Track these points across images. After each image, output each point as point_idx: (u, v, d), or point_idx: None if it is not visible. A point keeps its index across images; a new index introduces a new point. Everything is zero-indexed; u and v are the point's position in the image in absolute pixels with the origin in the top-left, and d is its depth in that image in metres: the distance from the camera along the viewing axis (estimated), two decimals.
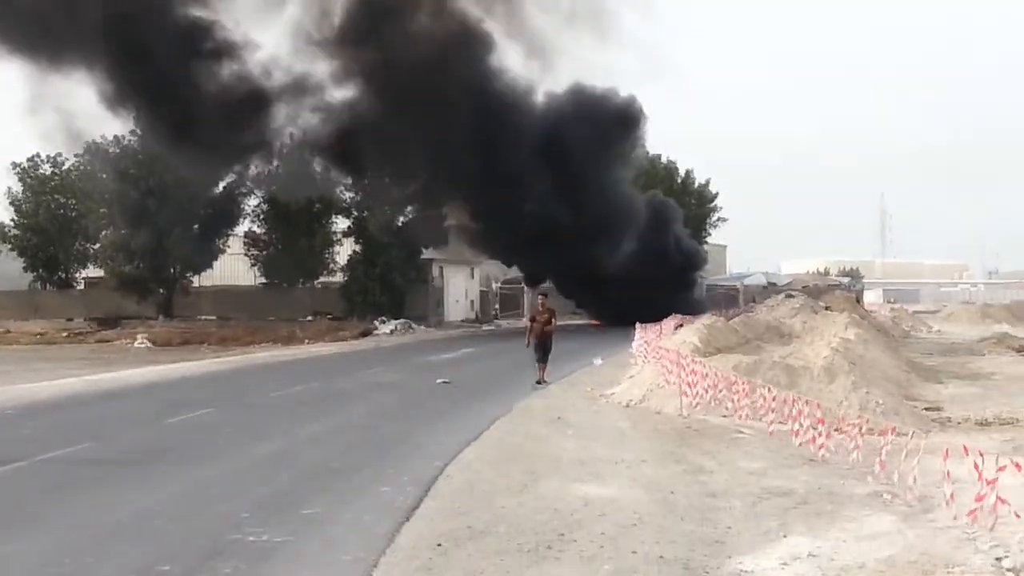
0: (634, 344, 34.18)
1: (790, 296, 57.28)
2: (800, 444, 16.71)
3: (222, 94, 56.85)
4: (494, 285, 77.35)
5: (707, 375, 21.00)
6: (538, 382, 26.57)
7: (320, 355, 41.59)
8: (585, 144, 60.06)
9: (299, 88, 59.71)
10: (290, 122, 62.22)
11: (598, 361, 34.05)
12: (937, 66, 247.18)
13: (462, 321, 68.96)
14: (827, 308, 51.49)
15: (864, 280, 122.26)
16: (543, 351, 27.22)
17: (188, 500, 13.05)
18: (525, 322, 28.44)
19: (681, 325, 39.85)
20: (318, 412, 21.87)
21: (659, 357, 25.81)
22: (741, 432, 18.85)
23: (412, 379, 29.44)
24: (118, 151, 63.33)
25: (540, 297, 28.99)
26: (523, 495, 13.25)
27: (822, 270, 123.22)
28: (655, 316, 44.76)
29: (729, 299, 76.97)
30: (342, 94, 60.14)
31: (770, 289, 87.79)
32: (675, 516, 12.07)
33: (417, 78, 53.84)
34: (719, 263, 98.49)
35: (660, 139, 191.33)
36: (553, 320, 27.67)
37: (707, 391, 21.17)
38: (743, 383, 20.24)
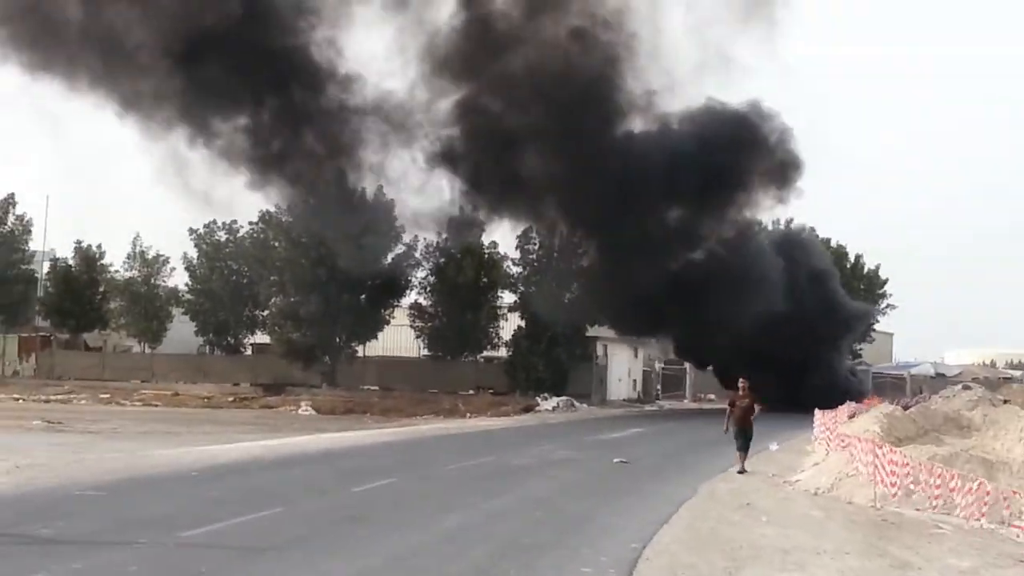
0: (815, 430, 33.40)
1: (967, 388, 55.42)
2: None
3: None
4: (656, 365, 76.64)
5: (907, 464, 20.16)
6: (739, 472, 25.42)
7: (487, 429, 41.45)
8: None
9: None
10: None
11: (774, 447, 33.26)
12: None
13: (624, 400, 68.33)
14: (1005, 401, 49.67)
15: None
16: (744, 438, 25.91)
17: (389, 571, 12.81)
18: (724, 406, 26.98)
19: (854, 413, 38.76)
20: (498, 487, 21.60)
21: (845, 444, 25.01)
22: (940, 527, 18.09)
23: (586, 457, 29.03)
24: (291, 220, 64.37)
25: (741, 381, 26.97)
26: None
27: (988, 362, 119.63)
28: (821, 401, 43.89)
29: (895, 388, 75.05)
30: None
31: (938, 380, 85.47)
32: None
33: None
34: (885, 351, 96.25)
35: (830, 223, 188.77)
36: (756, 406, 26.21)
37: (902, 481, 20.37)
38: (949, 475, 19.38)
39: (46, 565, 12.02)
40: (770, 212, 68.93)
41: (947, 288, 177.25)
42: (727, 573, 13.34)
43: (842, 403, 40.95)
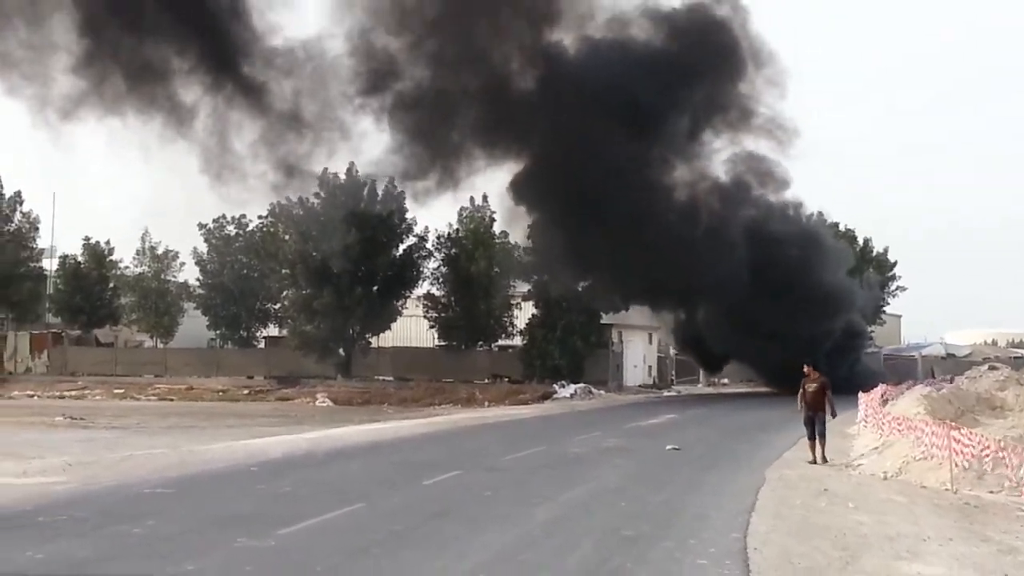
0: (860, 413, 33.22)
1: (993, 368, 55.19)
2: None
3: None
4: (671, 351, 76.35)
5: (987, 446, 19.82)
6: (810, 462, 24.04)
7: (519, 418, 41.12)
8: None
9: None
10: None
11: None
12: None
13: (640, 386, 68.09)
14: None
15: None
16: (812, 425, 24.32)
17: (499, 566, 12.43)
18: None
19: (885, 395, 38.64)
20: (566, 477, 21.24)
21: (910, 427, 24.64)
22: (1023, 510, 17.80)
23: (636, 445, 28.70)
24: (301, 213, 63.98)
25: (807, 366, 24.99)
26: (851, 573, 12.44)
27: (990, 341, 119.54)
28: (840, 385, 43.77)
29: (907, 370, 74.74)
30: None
31: (949, 360, 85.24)
32: None
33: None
34: (894, 333, 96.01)
35: (839, 208, 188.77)
36: (827, 392, 24.39)
37: (979, 464, 20.05)
38: None
39: (160, 567, 11.65)
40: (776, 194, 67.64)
41: (943, 270, 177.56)
42: (844, 563, 12.99)
43: (864, 387, 40.71)
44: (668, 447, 27.10)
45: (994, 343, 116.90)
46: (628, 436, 31.61)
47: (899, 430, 25.68)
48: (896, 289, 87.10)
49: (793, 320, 57.13)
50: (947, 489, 19.86)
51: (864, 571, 12.51)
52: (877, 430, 28.64)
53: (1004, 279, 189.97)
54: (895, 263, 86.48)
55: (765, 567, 12.59)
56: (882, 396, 38.26)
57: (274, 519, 15.01)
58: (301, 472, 21.41)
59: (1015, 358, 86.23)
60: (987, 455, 19.75)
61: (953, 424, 21.78)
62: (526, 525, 15.23)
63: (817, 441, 24.31)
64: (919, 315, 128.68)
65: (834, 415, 24.80)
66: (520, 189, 61.38)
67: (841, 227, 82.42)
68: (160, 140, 54.56)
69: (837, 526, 15.55)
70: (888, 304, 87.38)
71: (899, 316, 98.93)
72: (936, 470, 21.10)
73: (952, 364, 79.95)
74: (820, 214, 76.91)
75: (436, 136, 58.95)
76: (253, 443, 28.22)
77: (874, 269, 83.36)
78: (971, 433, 20.77)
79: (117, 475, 20.26)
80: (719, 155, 65.54)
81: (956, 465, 20.18)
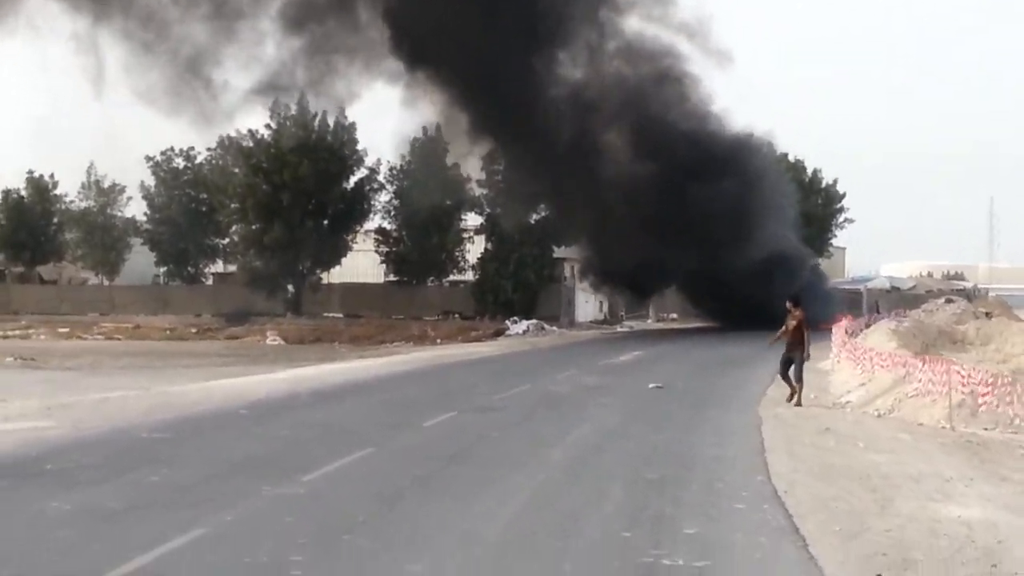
0: (833, 348, 33.33)
1: (950, 301, 55.79)
2: None
3: None
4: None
5: (990, 382, 19.77)
6: (788, 400, 23.17)
7: (487, 356, 40.85)
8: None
9: None
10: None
11: None
12: None
13: (592, 322, 68.04)
14: (987, 314, 50.02)
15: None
16: (785, 365, 23.47)
17: (539, 513, 12.17)
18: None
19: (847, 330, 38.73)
20: (562, 417, 21.04)
21: (895, 363, 24.63)
22: None
23: (616, 383, 28.58)
24: (251, 145, 63.13)
25: (788, 302, 24.24)
26: (890, 516, 12.30)
27: (925, 273, 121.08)
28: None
29: (852, 303, 75.17)
30: None
31: (893, 293, 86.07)
32: None
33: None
34: (839, 266, 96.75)
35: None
36: (804, 329, 23.26)
37: (976, 400, 20.05)
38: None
39: (196, 518, 11.26)
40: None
41: (878, 202, 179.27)
42: (880, 506, 12.85)
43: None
44: (651, 385, 26.96)
45: (930, 275, 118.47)
46: (603, 374, 31.49)
47: (883, 366, 25.62)
48: (844, 221, 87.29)
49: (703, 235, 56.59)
50: (943, 427, 19.85)
51: (902, 514, 12.36)
52: (858, 366, 28.55)
53: (936, 211, 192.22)
54: (844, 195, 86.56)
55: (803, 511, 12.42)
56: (847, 331, 38.31)
57: (289, 465, 14.65)
58: (293, 415, 20.99)
59: (956, 291, 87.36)
60: (987, 392, 19.70)
61: (952, 360, 21.75)
62: (547, 469, 14.98)
63: (793, 382, 23.42)
64: (858, 247, 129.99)
65: (808, 357, 24.13)
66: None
67: (791, 158, 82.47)
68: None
69: (856, 467, 15.45)
70: (835, 236, 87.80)
71: (843, 248, 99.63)
72: (930, 407, 21.09)
73: (897, 297, 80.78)
74: (770, 144, 76.82)
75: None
76: (228, 383, 27.84)
77: (822, 200, 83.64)
78: (975, 369, 20.74)
79: (105, 419, 19.73)
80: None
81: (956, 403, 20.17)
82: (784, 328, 23.81)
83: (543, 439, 17.77)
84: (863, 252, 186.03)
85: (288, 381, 28.41)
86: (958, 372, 20.26)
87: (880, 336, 35.15)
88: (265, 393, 24.83)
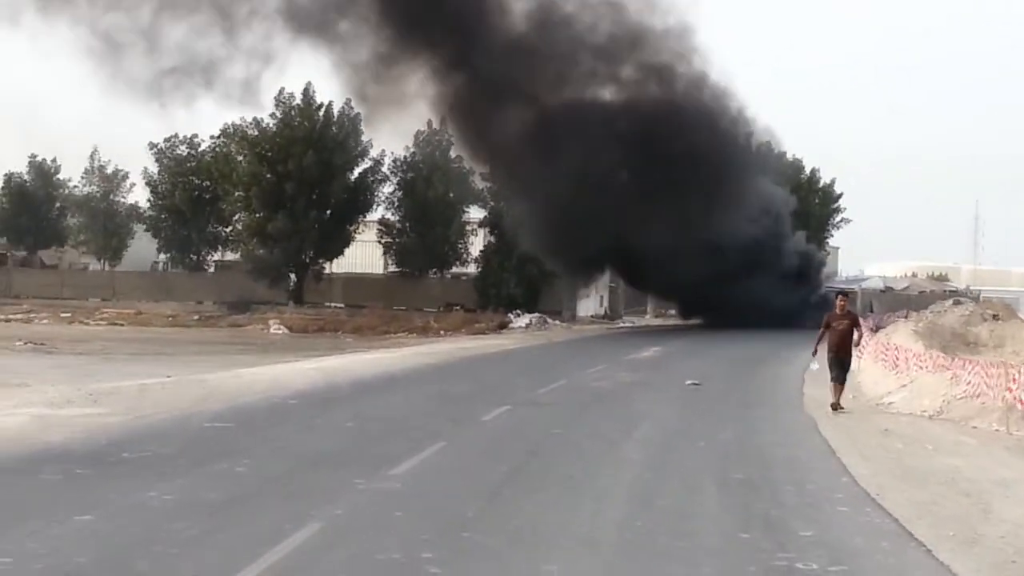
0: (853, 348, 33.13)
1: (959, 303, 55.76)
2: None
3: None
4: (621, 281, 76.17)
5: None
6: (833, 406, 21.86)
7: (509, 349, 40.80)
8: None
9: None
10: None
11: (815, 366, 32.77)
12: None
13: (592, 316, 67.94)
14: (994, 316, 49.87)
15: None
16: (840, 368, 22.12)
17: (646, 513, 11.95)
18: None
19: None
20: (616, 414, 20.90)
21: (936, 365, 24.41)
22: None
23: (651, 379, 28.51)
24: (256, 134, 62.79)
25: (840, 298, 23.38)
26: (997, 522, 12.12)
27: (910, 274, 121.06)
28: (777, 319, 43.75)
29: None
30: None
31: (887, 294, 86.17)
32: None
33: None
34: (831, 266, 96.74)
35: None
36: (857, 330, 22.59)
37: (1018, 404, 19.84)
38: None
39: (306, 512, 11.05)
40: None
41: (866, 203, 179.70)
42: (982, 511, 12.68)
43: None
44: (687, 382, 26.80)
45: (915, 276, 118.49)
46: (634, 370, 31.37)
47: (922, 367, 25.39)
48: (840, 221, 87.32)
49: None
50: (997, 430, 19.68)
51: (1008, 520, 12.21)
52: (890, 367, 28.33)
53: (918, 212, 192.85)
54: (840, 195, 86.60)
55: (908, 515, 12.23)
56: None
57: (368, 458, 14.46)
58: (347, 407, 20.80)
59: (949, 292, 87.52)
60: None
61: (1009, 363, 21.58)
62: (630, 468, 14.80)
63: (836, 385, 22.33)
64: (847, 247, 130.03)
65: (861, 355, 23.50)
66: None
67: (789, 156, 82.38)
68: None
69: (937, 470, 15.27)
70: (832, 236, 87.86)
71: (837, 248, 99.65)
72: (981, 410, 20.91)
73: (891, 297, 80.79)
74: (768, 143, 76.65)
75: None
76: (259, 372, 27.62)
77: (819, 200, 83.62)
78: None
79: (157, 407, 19.53)
80: None
81: (1020, 405, 19.92)
82: (825, 326, 22.50)
83: (608, 436, 17.62)
84: (848, 252, 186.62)
85: (321, 372, 28.14)
86: (1015, 376, 20.01)
87: (903, 337, 34.93)
88: (305, 384, 24.61)
